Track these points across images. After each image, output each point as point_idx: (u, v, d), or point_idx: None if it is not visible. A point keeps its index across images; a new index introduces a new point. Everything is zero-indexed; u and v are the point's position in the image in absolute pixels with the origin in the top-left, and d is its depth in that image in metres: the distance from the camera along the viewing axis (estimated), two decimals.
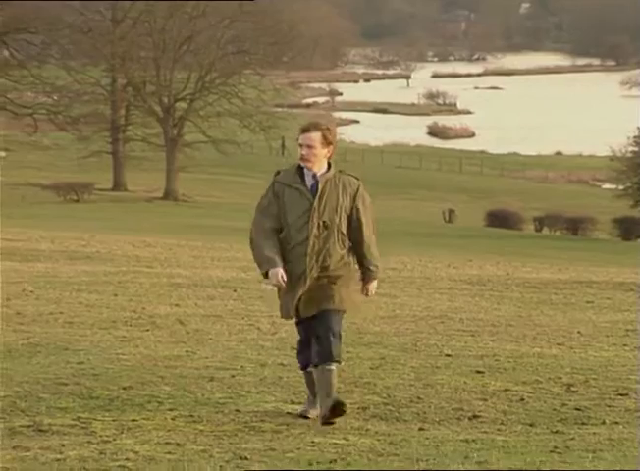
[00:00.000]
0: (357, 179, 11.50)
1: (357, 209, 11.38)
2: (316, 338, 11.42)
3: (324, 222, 11.22)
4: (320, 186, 11.27)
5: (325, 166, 11.44)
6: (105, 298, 21.81)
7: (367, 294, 11.75)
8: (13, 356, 16.11)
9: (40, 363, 15.72)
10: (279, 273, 11.23)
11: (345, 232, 11.38)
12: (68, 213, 64.54)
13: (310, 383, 11.78)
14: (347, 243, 11.42)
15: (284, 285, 11.25)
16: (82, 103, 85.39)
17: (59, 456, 11.59)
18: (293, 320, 11.90)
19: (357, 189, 11.41)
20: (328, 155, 11.43)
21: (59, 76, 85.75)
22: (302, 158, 11.30)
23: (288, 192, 11.30)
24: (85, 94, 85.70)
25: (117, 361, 15.55)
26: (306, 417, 11.72)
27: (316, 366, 11.57)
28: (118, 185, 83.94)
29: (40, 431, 12.57)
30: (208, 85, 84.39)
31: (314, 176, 11.33)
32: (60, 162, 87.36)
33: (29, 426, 12.71)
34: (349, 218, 11.38)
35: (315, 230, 11.21)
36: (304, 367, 11.84)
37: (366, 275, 11.66)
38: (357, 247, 11.48)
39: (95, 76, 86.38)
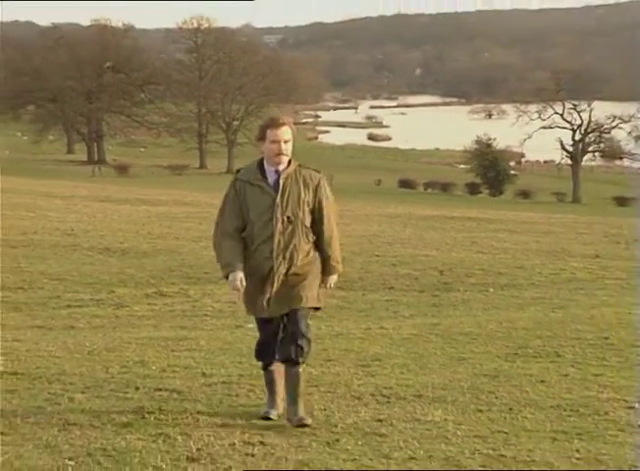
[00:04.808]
0: (318, 172, 6.33)
1: (320, 202, 6.24)
2: (283, 338, 6.18)
3: (288, 217, 6.15)
4: (282, 182, 6.13)
5: (287, 161, 6.19)
6: (194, 225, 21.80)
7: (326, 287, 6.33)
8: (146, 256, 16.11)
9: (160, 259, 15.73)
10: (237, 278, 6.05)
11: (308, 225, 6.22)
12: (175, 181, 64.37)
13: (270, 382, 6.27)
14: (312, 237, 6.24)
15: (241, 290, 6.08)
16: (183, 122, 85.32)
17: (170, 309, 11.63)
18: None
19: (319, 183, 6.25)
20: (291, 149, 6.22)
21: (170, 107, 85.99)
22: (279, 153, 6.09)
23: (250, 190, 6.18)
24: (185, 117, 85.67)
25: (207, 257, 15.32)
26: (269, 418, 6.08)
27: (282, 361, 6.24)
28: (202, 166, 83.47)
29: (161, 295, 12.59)
30: (250, 112, 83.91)
31: (276, 171, 6.16)
32: (172, 153, 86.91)
33: (155, 292, 12.73)
34: (312, 212, 6.24)
35: (280, 225, 6.11)
36: (265, 367, 6.30)
37: (327, 269, 6.29)
38: (319, 241, 6.27)
39: (190, 107, 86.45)
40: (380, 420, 6.01)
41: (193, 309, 11.54)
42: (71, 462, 5.16)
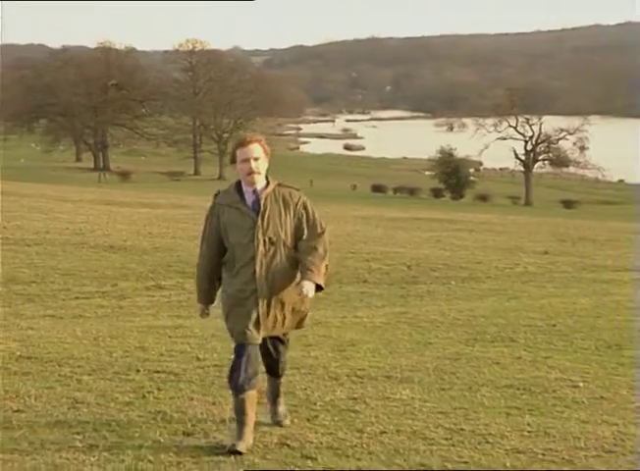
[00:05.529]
0: (298, 190, 5.30)
1: (300, 220, 5.20)
2: (264, 362, 5.39)
3: (270, 238, 5.13)
4: (262, 202, 5.14)
5: (264, 181, 5.20)
6: (189, 226, 21.65)
7: (300, 294, 5.06)
8: (146, 253, 16.03)
9: (159, 256, 15.64)
10: (201, 312, 5.39)
11: (291, 246, 5.18)
12: (172, 186, 64.13)
13: (240, 411, 5.10)
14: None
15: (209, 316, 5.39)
16: (179, 133, 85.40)
17: (168, 300, 11.58)
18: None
19: (298, 200, 5.22)
20: (266, 167, 5.20)
21: (168, 120, 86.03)
22: (250, 172, 5.12)
23: (228, 212, 5.21)
24: (181, 129, 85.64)
25: (196, 256, 15.33)
26: (238, 452, 4.93)
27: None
28: (196, 173, 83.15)
29: (159, 287, 12.51)
30: (239, 125, 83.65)
31: (254, 192, 5.18)
32: (169, 161, 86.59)
33: (154, 285, 12.65)
34: (294, 230, 5.20)
35: (261, 247, 5.11)
36: (238, 391, 5.08)
37: (302, 274, 5.12)
38: (299, 254, 5.16)
39: (185, 120, 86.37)
40: (354, 398, 6.02)
41: (188, 300, 11.49)
42: (79, 436, 5.16)
